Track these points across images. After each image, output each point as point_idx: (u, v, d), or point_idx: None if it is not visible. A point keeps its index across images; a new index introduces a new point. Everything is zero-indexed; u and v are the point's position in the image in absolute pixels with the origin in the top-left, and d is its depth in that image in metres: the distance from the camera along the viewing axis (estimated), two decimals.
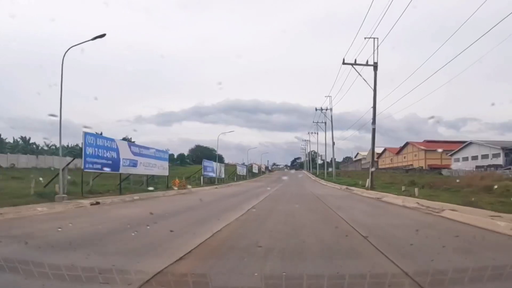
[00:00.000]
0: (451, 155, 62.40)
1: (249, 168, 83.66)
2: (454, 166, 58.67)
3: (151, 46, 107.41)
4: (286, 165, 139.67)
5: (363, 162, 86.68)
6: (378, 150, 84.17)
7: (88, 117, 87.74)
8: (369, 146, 28.33)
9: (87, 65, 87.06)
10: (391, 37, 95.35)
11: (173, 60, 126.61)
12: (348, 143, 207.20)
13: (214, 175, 45.98)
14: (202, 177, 40.92)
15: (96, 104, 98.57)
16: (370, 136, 26.80)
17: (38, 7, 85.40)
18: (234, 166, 79.09)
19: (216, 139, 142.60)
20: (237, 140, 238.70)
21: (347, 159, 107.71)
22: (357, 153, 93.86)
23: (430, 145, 69.58)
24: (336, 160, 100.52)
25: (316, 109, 57.37)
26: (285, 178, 63.39)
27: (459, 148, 60.17)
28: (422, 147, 70.12)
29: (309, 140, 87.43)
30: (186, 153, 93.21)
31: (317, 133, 74.14)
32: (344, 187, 32.17)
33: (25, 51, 79.14)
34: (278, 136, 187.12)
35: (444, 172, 53.40)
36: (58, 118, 14.94)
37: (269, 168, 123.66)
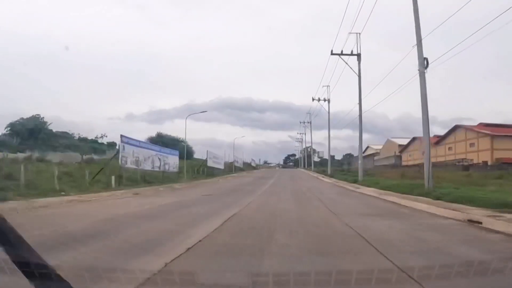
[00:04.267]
0: None
1: (201, 161, 47.51)
2: None
3: (142, 43, 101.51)
4: (278, 164, 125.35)
5: (376, 158, 60.73)
6: (402, 141, 56.10)
7: (79, 115, 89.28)
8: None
9: (78, 62, 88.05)
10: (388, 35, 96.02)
11: (165, 58, 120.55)
12: (343, 143, 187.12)
13: None
14: None
15: (87, 101, 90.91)
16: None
17: (26, 6, 79.07)
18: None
19: (207, 138, 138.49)
20: (229, 139, 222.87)
21: (348, 156, 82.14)
22: (367, 147, 67.22)
23: (498, 129, 41.83)
24: (335, 157, 75.90)
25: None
26: (274, 179, 30.42)
27: None
28: (487, 132, 42.15)
29: (311, 123, 67.09)
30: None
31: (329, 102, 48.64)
32: None
33: (11, 48, 74.52)
34: (271, 134, 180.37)
35: None
36: None
37: (255, 164, 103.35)
